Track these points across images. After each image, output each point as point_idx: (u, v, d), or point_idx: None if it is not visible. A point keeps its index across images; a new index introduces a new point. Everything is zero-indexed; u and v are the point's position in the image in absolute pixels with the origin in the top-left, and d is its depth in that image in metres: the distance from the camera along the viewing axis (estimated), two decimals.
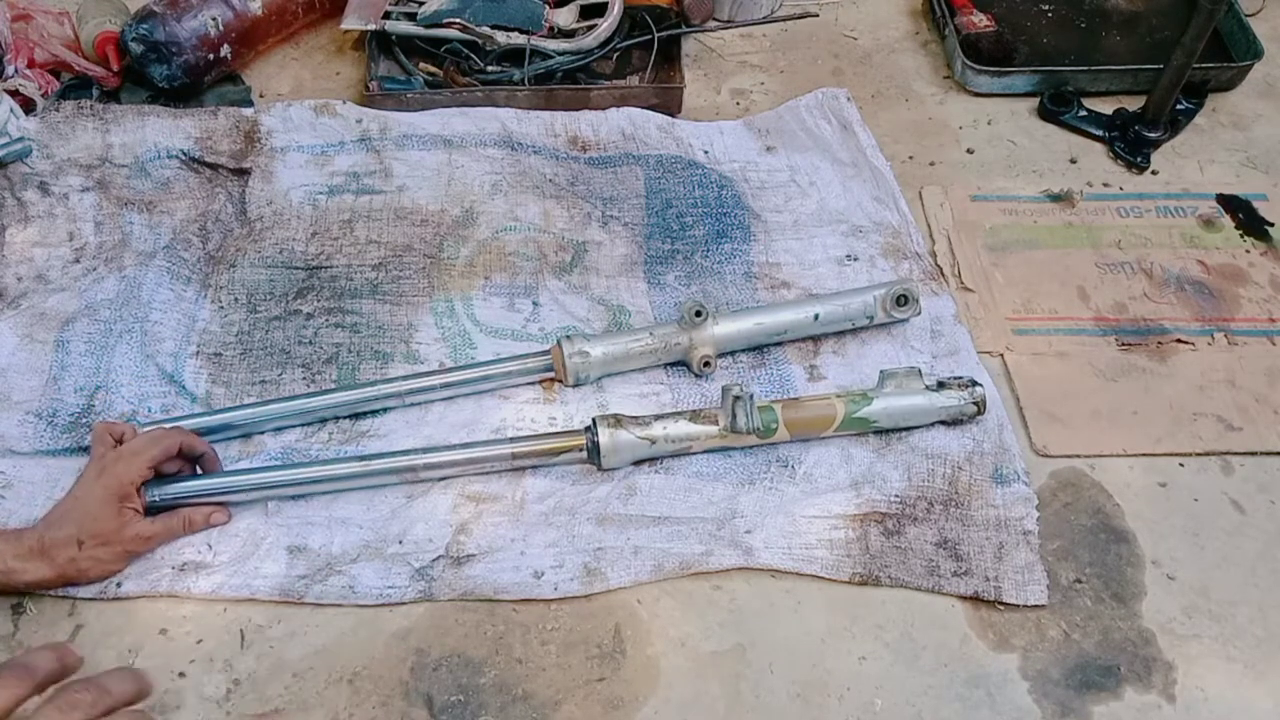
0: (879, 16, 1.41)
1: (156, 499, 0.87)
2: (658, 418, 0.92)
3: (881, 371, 0.95)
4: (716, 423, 0.91)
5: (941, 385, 0.95)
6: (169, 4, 1.20)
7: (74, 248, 1.09)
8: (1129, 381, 1.01)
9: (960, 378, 0.96)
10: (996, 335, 1.05)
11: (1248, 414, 0.99)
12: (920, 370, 0.95)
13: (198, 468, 0.92)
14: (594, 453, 0.91)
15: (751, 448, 0.95)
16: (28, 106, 1.18)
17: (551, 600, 0.86)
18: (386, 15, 1.27)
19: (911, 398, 0.93)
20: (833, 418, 0.92)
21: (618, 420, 0.91)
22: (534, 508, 0.91)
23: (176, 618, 0.85)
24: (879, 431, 0.95)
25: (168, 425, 0.92)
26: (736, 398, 0.89)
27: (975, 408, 0.94)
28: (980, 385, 0.95)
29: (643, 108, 1.23)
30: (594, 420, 0.91)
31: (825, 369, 1.01)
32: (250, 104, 1.25)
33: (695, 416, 0.92)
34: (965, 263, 1.11)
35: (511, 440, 0.91)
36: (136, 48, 1.19)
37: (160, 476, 0.88)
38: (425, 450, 0.91)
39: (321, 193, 1.14)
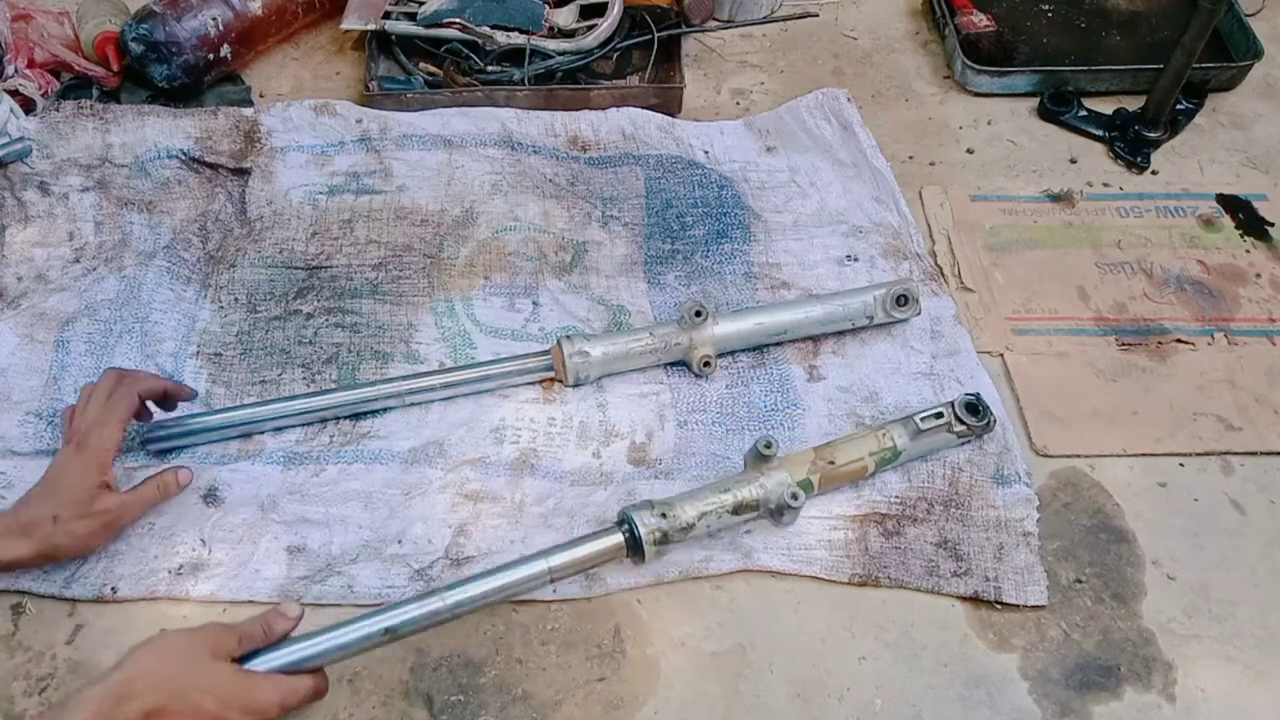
0: (879, 16, 1.41)
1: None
2: (701, 509, 0.84)
3: (914, 419, 0.90)
4: (758, 508, 0.85)
5: (959, 418, 0.91)
6: (169, 4, 1.20)
7: (74, 248, 1.09)
8: (1129, 381, 1.01)
9: (973, 399, 0.92)
10: (996, 335, 1.05)
11: (1248, 414, 0.99)
12: (943, 412, 0.91)
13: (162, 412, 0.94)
14: (635, 549, 0.83)
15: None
16: (28, 106, 1.18)
17: (551, 600, 0.86)
18: (386, 15, 1.27)
19: (933, 440, 0.91)
20: (864, 473, 0.90)
21: (663, 521, 0.83)
22: (533, 509, 0.91)
23: (176, 618, 0.85)
24: None
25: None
26: (788, 506, 0.84)
27: (980, 437, 0.94)
28: (991, 418, 0.93)
29: (643, 108, 1.23)
30: (629, 516, 0.83)
31: (825, 369, 1.01)
32: (250, 104, 1.25)
33: (740, 506, 0.85)
34: (965, 263, 1.11)
35: (546, 555, 0.81)
36: (136, 48, 1.18)
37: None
38: (456, 586, 0.78)
39: (321, 193, 1.14)
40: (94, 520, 0.83)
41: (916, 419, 0.90)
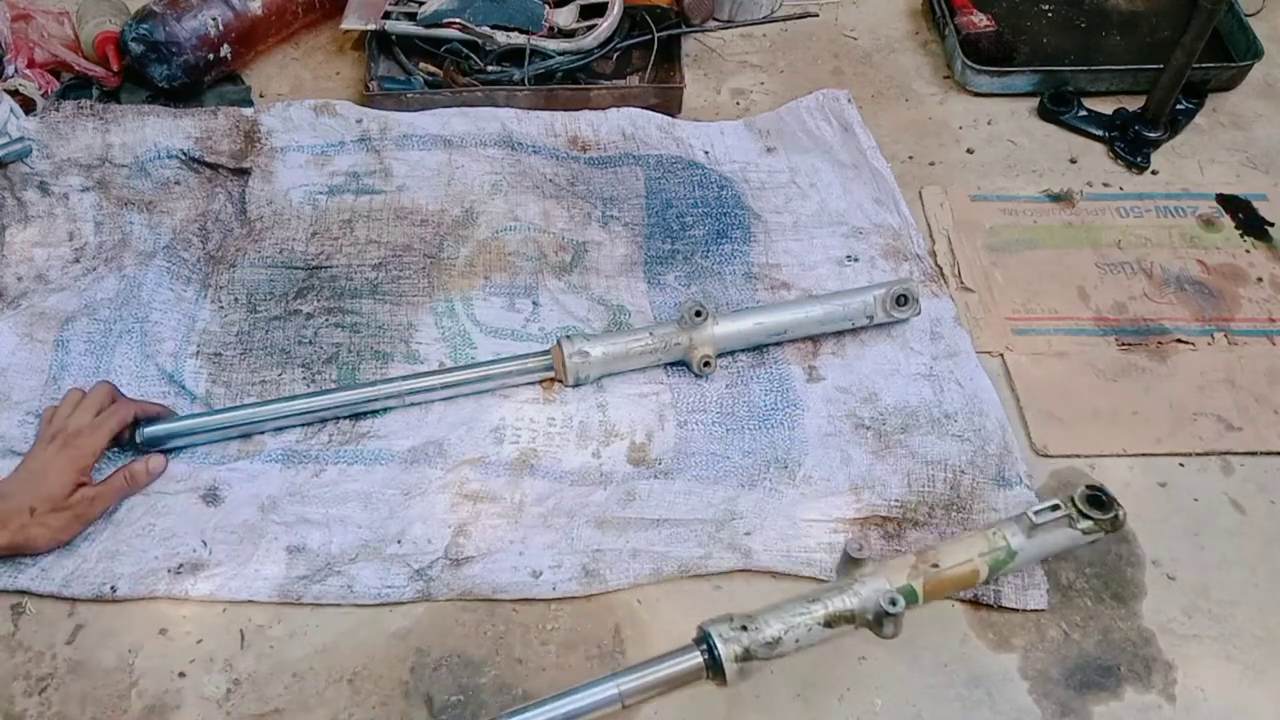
0: (879, 16, 1.41)
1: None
2: (788, 622, 0.75)
3: (1028, 514, 0.80)
4: (854, 620, 0.76)
5: (1082, 513, 0.81)
6: (169, 4, 1.20)
7: (74, 248, 1.09)
8: (1129, 381, 1.01)
9: (1096, 492, 0.82)
10: (996, 335, 1.05)
11: (1248, 414, 0.99)
12: (1059, 504, 0.81)
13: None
14: (715, 670, 0.74)
15: (750, 450, 0.95)
16: (28, 106, 1.18)
17: (551, 600, 0.86)
18: (386, 15, 1.27)
19: (1054, 536, 0.81)
20: (975, 578, 0.80)
21: (743, 635, 0.74)
22: (533, 509, 0.91)
23: (176, 618, 0.85)
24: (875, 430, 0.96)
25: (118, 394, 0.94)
26: (887, 614, 0.75)
27: (1106, 533, 0.83)
28: (1120, 511, 0.82)
29: (643, 108, 1.23)
30: (707, 633, 0.74)
31: (825, 370, 1.01)
32: (250, 104, 1.25)
33: (833, 618, 0.75)
34: (965, 263, 1.11)
35: (615, 678, 0.73)
36: (136, 48, 1.19)
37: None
38: (515, 714, 0.72)
39: (321, 193, 1.14)
40: (68, 514, 0.85)
41: (1030, 514, 0.80)
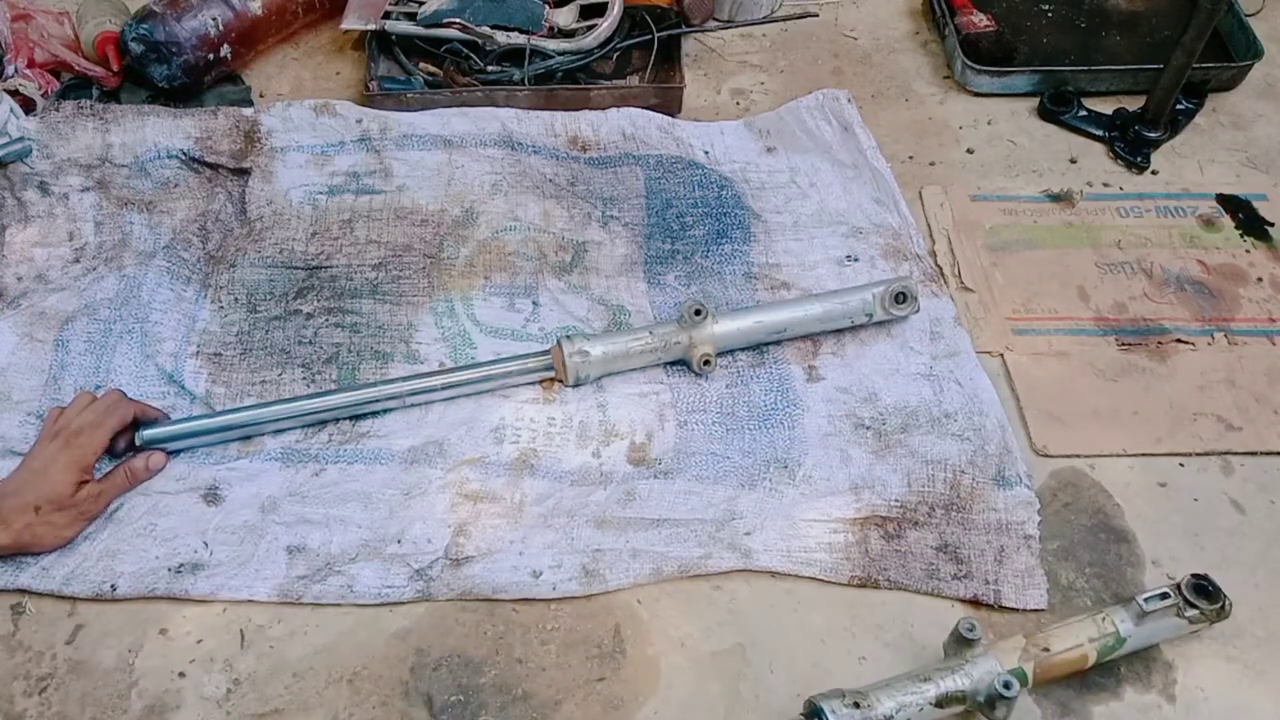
0: (879, 16, 1.41)
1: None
2: (900, 700, 0.75)
3: (1137, 601, 0.80)
4: (965, 700, 0.77)
5: (1189, 602, 0.81)
6: (169, 4, 1.20)
7: (74, 248, 1.09)
8: (1129, 381, 1.01)
9: (1202, 581, 0.82)
10: (996, 335, 1.05)
11: (1248, 414, 0.99)
12: (1168, 593, 0.81)
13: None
14: None
15: (750, 450, 0.95)
16: (28, 106, 1.18)
17: (551, 600, 0.86)
18: (386, 15, 1.27)
19: (1160, 624, 0.82)
20: (1084, 663, 0.81)
21: (856, 713, 0.74)
22: (533, 509, 0.91)
23: (176, 617, 0.85)
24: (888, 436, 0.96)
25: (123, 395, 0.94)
26: (1000, 697, 0.75)
27: (1210, 623, 0.83)
28: (1226, 601, 0.82)
29: (643, 108, 1.23)
30: (819, 708, 0.74)
31: (824, 370, 1.01)
32: (250, 104, 1.25)
33: (944, 699, 0.76)
34: (965, 262, 1.11)
35: None
36: (136, 48, 1.19)
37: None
38: None
39: (321, 193, 1.14)
40: (72, 511, 0.86)
41: (1140, 601, 0.80)
